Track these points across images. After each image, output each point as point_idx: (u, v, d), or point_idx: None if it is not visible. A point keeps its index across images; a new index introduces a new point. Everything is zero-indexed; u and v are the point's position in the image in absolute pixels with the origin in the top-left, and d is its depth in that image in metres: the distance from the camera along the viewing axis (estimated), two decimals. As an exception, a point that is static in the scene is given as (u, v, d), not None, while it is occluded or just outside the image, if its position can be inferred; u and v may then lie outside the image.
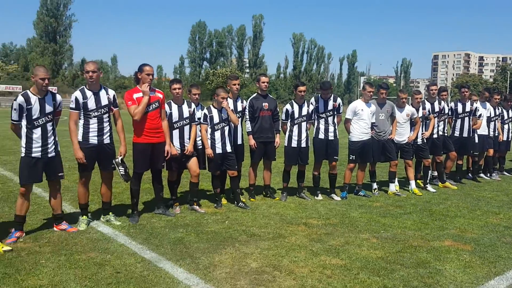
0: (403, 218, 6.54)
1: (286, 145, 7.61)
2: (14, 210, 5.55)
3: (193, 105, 6.71)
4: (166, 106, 6.40)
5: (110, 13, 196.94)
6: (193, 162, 6.63)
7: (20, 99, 5.16)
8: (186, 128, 6.57)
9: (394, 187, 8.33)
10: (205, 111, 6.83)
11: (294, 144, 7.52)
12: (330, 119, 7.62)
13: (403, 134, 8.42)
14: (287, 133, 7.61)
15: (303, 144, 7.54)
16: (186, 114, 6.56)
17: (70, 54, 79.24)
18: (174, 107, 6.52)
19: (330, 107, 7.61)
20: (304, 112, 7.52)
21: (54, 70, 70.97)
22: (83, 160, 5.60)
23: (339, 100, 7.80)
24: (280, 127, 7.68)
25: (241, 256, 4.76)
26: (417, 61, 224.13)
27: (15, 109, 5.16)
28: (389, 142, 8.18)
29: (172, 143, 6.39)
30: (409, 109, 8.45)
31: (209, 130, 6.81)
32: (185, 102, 6.65)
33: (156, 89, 6.24)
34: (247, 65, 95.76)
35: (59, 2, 73.64)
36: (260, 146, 7.39)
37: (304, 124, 7.53)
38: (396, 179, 8.46)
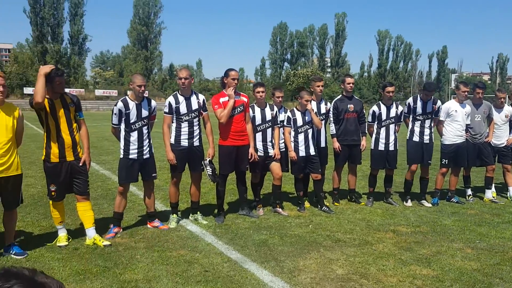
0: (501, 227, 6.06)
1: (372, 148, 7.38)
2: (112, 207, 6.00)
3: (275, 108, 6.76)
4: (249, 109, 6.52)
5: (195, 19, 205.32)
6: (276, 165, 6.68)
7: (120, 104, 5.57)
8: (269, 130, 6.64)
9: (490, 193, 7.75)
10: (289, 113, 6.85)
11: (381, 147, 7.27)
12: (427, 122, 7.27)
13: (501, 136, 7.81)
14: (374, 135, 7.36)
15: (391, 147, 7.26)
16: (268, 117, 6.63)
17: (159, 59, 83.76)
18: (257, 110, 6.62)
19: (429, 109, 7.26)
20: (393, 113, 7.23)
21: (145, 75, 75.43)
22: (174, 162, 5.90)
23: (439, 103, 7.42)
24: (366, 129, 7.47)
25: (326, 262, 4.70)
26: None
27: (115, 114, 5.58)
28: (485, 145, 7.62)
29: (255, 146, 6.50)
30: (508, 109, 7.83)
31: (293, 133, 6.82)
32: (268, 105, 6.72)
33: (241, 93, 6.38)
34: (329, 64, 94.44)
35: (150, 11, 78.15)
36: (344, 149, 7.25)
37: (392, 126, 7.25)
38: (493, 185, 7.86)
